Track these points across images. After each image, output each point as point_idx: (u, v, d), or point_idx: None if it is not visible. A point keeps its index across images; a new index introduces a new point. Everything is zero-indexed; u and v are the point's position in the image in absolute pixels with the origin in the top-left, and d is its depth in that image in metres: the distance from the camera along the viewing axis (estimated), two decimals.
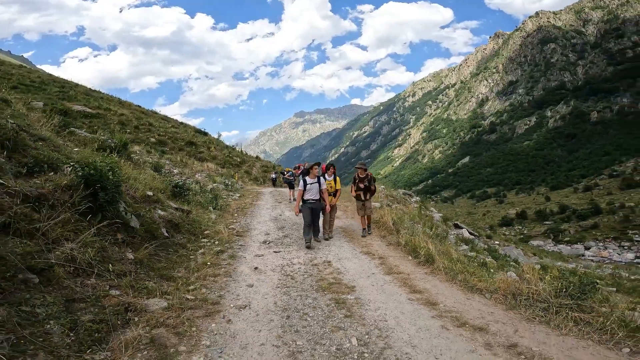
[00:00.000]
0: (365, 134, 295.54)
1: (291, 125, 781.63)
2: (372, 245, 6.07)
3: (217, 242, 5.73)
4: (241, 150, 37.03)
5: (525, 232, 44.93)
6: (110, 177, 3.88)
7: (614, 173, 73.00)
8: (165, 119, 35.18)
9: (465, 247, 10.63)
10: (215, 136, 35.88)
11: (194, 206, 8.49)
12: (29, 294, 2.33)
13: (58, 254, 2.81)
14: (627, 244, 35.08)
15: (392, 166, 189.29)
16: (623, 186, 59.40)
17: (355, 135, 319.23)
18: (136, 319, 2.69)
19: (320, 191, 6.41)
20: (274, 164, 42.24)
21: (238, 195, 14.60)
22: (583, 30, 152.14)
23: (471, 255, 8.41)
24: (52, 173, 3.81)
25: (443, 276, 4.48)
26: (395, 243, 6.11)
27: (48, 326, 2.16)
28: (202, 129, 35.65)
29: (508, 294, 3.74)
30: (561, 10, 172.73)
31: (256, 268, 4.63)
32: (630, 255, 31.68)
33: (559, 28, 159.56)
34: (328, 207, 6.65)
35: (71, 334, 2.22)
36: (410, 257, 5.33)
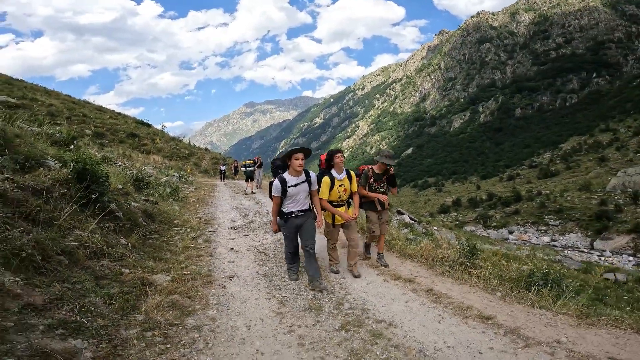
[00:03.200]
0: (316, 125, 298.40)
1: (240, 116, 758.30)
2: None
3: (189, 230, 6.35)
4: (189, 142, 36.06)
5: (460, 218, 49.37)
6: (100, 171, 4.37)
7: (533, 164, 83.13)
8: (101, 109, 32.88)
9: (406, 230, 12.27)
10: (159, 127, 34.48)
11: (156, 198, 8.82)
12: (66, 273, 2.94)
13: (72, 239, 3.37)
14: (543, 227, 39.76)
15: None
16: (540, 175, 68.25)
17: (305, 126, 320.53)
18: (151, 290, 3.40)
19: (311, 194, 4.11)
20: (224, 155, 41.69)
21: (194, 187, 14.83)
22: (515, 31, 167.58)
23: (411, 237, 9.94)
24: (42, 168, 4.17)
25: (384, 248, 5.70)
26: None
27: (91, 298, 2.80)
28: (144, 120, 33.99)
29: (429, 258, 5.08)
30: (499, 11, 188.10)
31: (232, 249, 5.44)
32: (546, 238, 36.51)
33: (495, 28, 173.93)
34: (320, 221, 4.22)
35: (111, 303, 2.88)
36: (360, 234, 6.49)
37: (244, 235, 6.44)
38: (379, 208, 4.84)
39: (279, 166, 5.41)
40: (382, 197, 4.73)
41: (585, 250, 31.61)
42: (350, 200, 4.63)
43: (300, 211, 3.94)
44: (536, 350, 2.78)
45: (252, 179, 14.20)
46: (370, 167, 4.93)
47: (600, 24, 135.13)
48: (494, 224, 43.71)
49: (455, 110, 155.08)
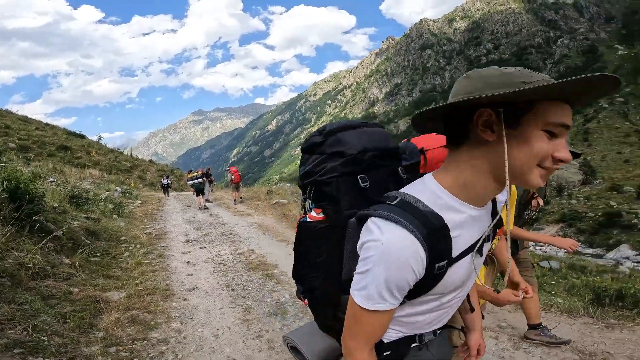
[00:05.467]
0: (269, 132, 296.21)
1: (189, 125, 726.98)
2: (286, 235, 7.16)
3: (139, 246, 6.01)
4: (130, 154, 33.82)
5: None
6: (35, 189, 4.01)
7: None
8: (26, 120, 29.67)
9: None
10: (95, 138, 31.88)
11: (98, 215, 8.23)
12: (10, 294, 2.68)
13: (11, 261, 3.08)
14: None
15: (296, 164, 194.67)
16: None
17: (258, 134, 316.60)
18: (107, 307, 3.22)
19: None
20: (171, 167, 39.68)
21: (139, 202, 13.98)
22: (452, 38, 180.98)
23: None
24: None
25: None
26: None
27: (42, 318, 2.59)
28: (77, 131, 31.10)
29: None
30: (439, 18, 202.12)
31: (189, 262, 5.27)
32: None
33: (435, 35, 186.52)
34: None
35: (65, 322, 2.69)
36: None
37: (200, 247, 6.26)
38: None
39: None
40: (572, 245, 2.15)
41: None
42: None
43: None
44: (484, 334, 3.10)
45: (202, 193, 12.45)
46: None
47: (524, 30, 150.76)
48: None
49: (401, 114, 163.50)
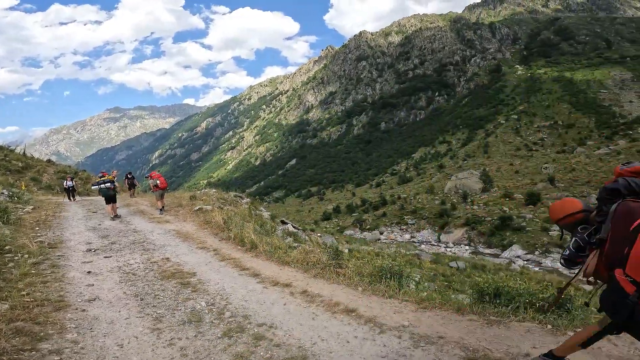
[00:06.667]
0: (197, 135, 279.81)
1: (102, 122, 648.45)
2: (207, 242, 6.84)
3: (27, 256, 5.25)
4: (24, 152, 28.90)
5: (340, 223, 53.59)
6: None
7: (394, 172, 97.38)
8: None
9: (290, 239, 12.73)
10: None
11: None
12: None
13: None
14: (404, 226, 46.69)
15: (225, 169, 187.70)
16: (399, 182, 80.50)
17: (185, 136, 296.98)
18: None
19: None
20: (76, 168, 34.87)
21: (31, 207, 12.02)
22: (386, 51, 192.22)
23: (295, 245, 10.39)
24: None
25: (264, 257, 5.87)
26: (227, 238, 7.10)
27: None
28: None
29: (304, 263, 5.45)
30: (377, 32, 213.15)
31: (89, 272, 4.76)
32: (407, 236, 43.07)
33: (372, 48, 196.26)
34: None
35: None
36: (239, 247, 6.47)
37: (105, 257, 5.67)
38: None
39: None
40: None
41: (435, 244, 38.64)
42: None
43: None
44: (388, 335, 3.32)
45: (113, 200, 10.51)
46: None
47: (446, 48, 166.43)
48: (368, 226, 49.10)
49: (334, 122, 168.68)
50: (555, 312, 3.59)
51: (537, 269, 24.96)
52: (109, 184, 10.50)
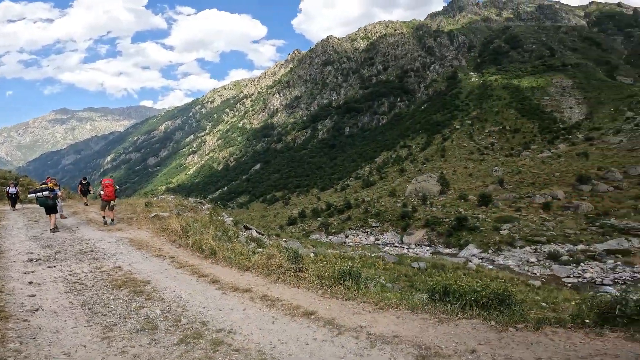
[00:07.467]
0: (155, 138, 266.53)
1: (46, 124, 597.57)
2: (163, 249, 6.56)
3: None
4: None
5: (306, 228, 53.56)
6: None
7: (358, 176, 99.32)
8: None
9: (253, 244, 12.53)
10: None
11: None
12: None
13: None
14: (369, 229, 47.52)
15: (186, 174, 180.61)
16: (363, 185, 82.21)
17: (141, 139, 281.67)
18: None
19: None
20: (17, 174, 31.90)
21: None
22: (352, 56, 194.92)
23: (259, 250, 10.24)
24: None
25: (224, 263, 5.74)
26: (185, 245, 6.86)
27: None
28: None
29: (265, 268, 5.42)
30: (343, 37, 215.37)
31: (31, 282, 4.47)
32: (371, 239, 43.93)
33: (338, 53, 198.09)
34: None
35: None
36: (198, 254, 6.29)
37: (49, 267, 5.31)
38: None
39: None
40: None
41: (398, 245, 39.83)
42: None
43: None
44: (346, 336, 3.40)
45: (53, 211, 9.42)
46: None
47: (408, 54, 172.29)
48: (334, 230, 49.50)
49: (299, 127, 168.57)
50: (497, 309, 3.74)
51: (491, 266, 26.57)
52: (46, 192, 9.34)
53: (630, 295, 3.33)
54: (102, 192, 10.15)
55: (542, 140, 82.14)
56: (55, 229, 9.06)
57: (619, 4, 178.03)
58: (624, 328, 3.07)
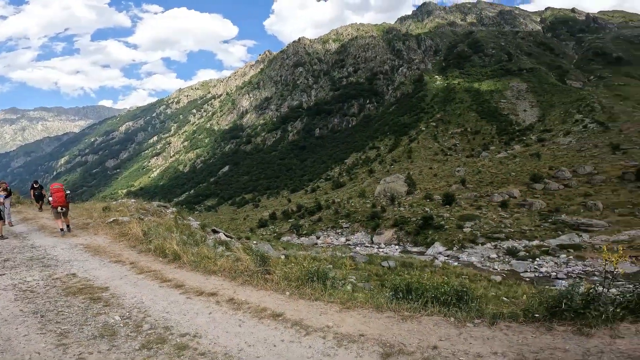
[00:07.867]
0: (114, 140, 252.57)
1: None
2: (122, 255, 6.25)
3: None
4: None
5: (277, 230, 53.01)
6: None
7: (328, 177, 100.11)
8: None
9: (221, 248, 12.22)
10: None
11: None
12: None
13: None
14: (340, 230, 48.00)
15: (149, 177, 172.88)
16: (334, 187, 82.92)
17: (99, 141, 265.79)
18: None
19: None
20: None
21: None
22: (323, 58, 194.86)
23: (227, 254, 10.00)
24: None
25: (189, 267, 5.57)
26: (147, 250, 6.57)
27: None
28: None
29: (232, 271, 5.32)
30: (315, 39, 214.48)
31: None
32: (342, 239, 44.28)
33: (309, 54, 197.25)
34: None
35: None
36: (161, 259, 6.05)
37: None
38: None
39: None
40: None
41: (369, 245, 40.48)
42: None
43: None
44: (313, 336, 3.42)
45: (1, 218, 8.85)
46: None
47: (378, 57, 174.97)
48: (305, 231, 49.43)
49: (269, 128, 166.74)
50: (456, 305, 3.88)
51: (456, 263, 27.68)
52: None
53: (576, 290, 3.57)
54: (50, 199, 9.31)
55: (500, 141, 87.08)
56: (1, 237, 8.34)
57: (572, 10, 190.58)
58: (571, 322, 3.29)
